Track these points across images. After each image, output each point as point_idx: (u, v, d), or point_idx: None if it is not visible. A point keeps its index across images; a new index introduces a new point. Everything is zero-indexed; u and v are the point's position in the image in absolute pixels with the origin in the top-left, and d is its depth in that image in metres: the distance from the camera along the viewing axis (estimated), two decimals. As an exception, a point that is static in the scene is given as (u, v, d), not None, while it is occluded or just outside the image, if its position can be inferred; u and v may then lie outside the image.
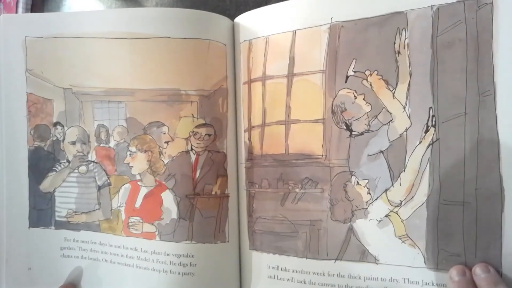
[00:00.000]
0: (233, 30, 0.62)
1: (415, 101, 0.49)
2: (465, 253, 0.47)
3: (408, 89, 0.49)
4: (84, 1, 0.82)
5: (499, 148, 0.45)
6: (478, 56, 0.46)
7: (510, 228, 0.45)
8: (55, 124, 0.63)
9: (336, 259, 0.53)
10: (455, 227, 0.47)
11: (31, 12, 0.85)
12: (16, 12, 0.83)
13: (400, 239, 0.50)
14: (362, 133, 0.52)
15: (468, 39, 0.46)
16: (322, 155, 0.54)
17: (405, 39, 0.49)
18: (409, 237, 0.50)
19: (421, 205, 0.49)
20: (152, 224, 0.59)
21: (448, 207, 0.48)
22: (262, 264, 0.58)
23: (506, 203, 0.45)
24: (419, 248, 0.49)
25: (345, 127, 0.53)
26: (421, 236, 0.49)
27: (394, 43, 0.50)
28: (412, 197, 0.49)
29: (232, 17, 0.62)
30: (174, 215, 0.58)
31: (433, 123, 0.48)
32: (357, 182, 0.52)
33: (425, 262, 0.49)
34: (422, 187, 0.49)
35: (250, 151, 0.59)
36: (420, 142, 0.49)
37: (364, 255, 0.52)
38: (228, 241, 0.59)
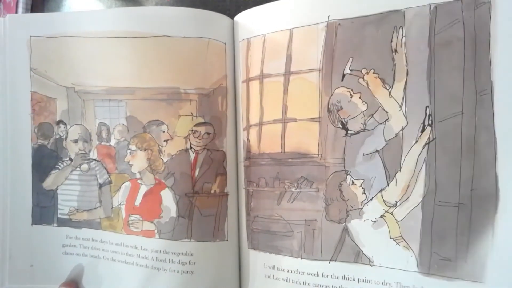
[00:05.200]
0: (233, 29, 0.61)
1: (411, 100, 0.48)
2: (457, 258, 0.46)
3: (404, 88, 0.48)
4: (84, 1, 0.83)
5: (496, 147, 0.44)
6: (476, 55, 0.45)
7: (502, 232, 0.44)
8: (58, 122, 0.63)
9: (331, 260, 0.53)
10: (449, 229, 0.46)
11: (31, 12, 0.86)
12: (16, 12, 0.85)
13: (394, 240, 0.49)
14: (358, 132, 0.51)
15: (466, 38, 0.46)
16: (318, 154, 0.54)
17: (402, 37, 0.49)
18: (404, 239, 0.49)
19: (416, 206, 0.48)
20: (152, 222, 0.59)
21: (443, 208, 0.47)
22: (260, 263, 0.58)
23: (500, 205, 0.44)
24: (412, 250, 0.48)
25: (341, 126, 0.52)
26: (415, 238, 0.48)
27: (391, 41, 0.49)
28: (408, 197, 0.48)
29: (232, 17, 0.61)
30: (174, 213, 0.58)
31: (430, 122, 0.47)
32: (352, 182, 0.51)
33: (417, 266, 0.48)
34: (418, 188, 0.48)
35: (248, 150, 0.59)
36: (416, 142, 0.48)
37: (358, 256, 0.51)
38: (227, 240, 0.59)
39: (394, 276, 0.49)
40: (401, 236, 0.49)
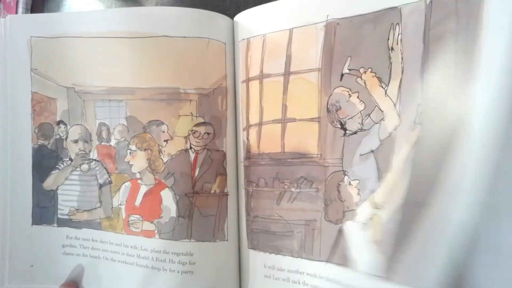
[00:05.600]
0: (233, 29, 0.61)
1: (405, 98, 0.47)
2: (416, 264, 0.45)
3: (399, 86, 0.48)
4: (84, 1, 0.83)
5: (471, 141, 0.42)
6: (467, 46, 0.43)
7: (457, 236, 0.42)
8: (59, 122, 0.63)
9: (327, 261, 0.52)
10: (416, 233, 0.45)
11: (31, 12, 0.86)
12: (16, 12, 0.85)
13: (376, 244, 0.48)
14: (355, 132, 0.51)
15: (459, 30, 0.44)
16: (317, 154, 0.54)
17: (398, 34, 0.48)
18: (383, 243, 0.48)
19: (398, 208, 0.47)
20: (152, 222, 0.59)
21: (418, 210, 0.45)
22: (259, 263, 0.58)
23: (460, 205, 0.42)
24: (386, 256, 0.47)
25: (339, 126, 0.52)
26: (391, 242, 0.47)
27: (388, 39, 0.49)
28: (393, 199, 0.47)
29: (232, 17, 0.61)
30: (174, 213, 0.58)
31: (420, 120, 0.46)
32: (349, 183, 0.51)
33: (385, 272, 0.47)
34: (402, 189, 0.47)
35: (248, 150, 0.59)
36: (407, 141, 0.47)
37: (347, 260, 0.50)
38: (227, 240, 0.59)
39: (368, 283, 0.48)
40: (382, 240, 0.48)
